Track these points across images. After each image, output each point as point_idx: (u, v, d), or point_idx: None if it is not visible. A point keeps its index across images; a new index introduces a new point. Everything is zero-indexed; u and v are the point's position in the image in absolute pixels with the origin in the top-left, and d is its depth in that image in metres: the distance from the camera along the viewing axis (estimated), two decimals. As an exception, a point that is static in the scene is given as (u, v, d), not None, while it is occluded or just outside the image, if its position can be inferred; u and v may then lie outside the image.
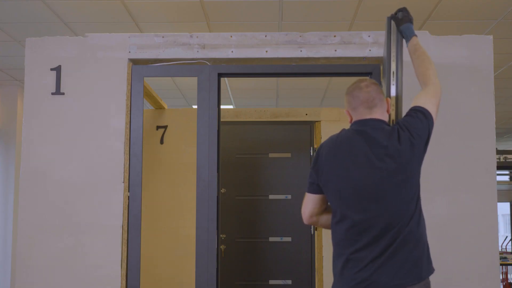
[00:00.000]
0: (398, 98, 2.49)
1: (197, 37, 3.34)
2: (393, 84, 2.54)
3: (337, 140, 2.30)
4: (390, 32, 2.63)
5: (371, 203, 2.20)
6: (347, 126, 2.38)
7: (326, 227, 2.40)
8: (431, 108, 2.32)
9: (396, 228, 2.18)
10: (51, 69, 3.31)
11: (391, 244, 2.16)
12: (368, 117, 2.29)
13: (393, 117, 2.37)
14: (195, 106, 7.09)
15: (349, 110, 2.35)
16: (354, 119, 2.33)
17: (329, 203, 2.35)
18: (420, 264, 2.19)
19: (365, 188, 2.20)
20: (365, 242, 2.18)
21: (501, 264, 8.16)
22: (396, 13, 2.63)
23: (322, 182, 2.29)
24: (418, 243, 2.20)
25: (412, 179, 2.24)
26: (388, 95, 2.57)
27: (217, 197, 3.24)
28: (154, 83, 6.44)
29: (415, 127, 2.25)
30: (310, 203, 2.38)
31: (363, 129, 2.27)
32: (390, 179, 2.20)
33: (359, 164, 2.21)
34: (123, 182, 3.21)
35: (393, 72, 2.55)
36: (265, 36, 3.32)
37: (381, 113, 2.31)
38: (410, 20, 2.61)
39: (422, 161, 2.26)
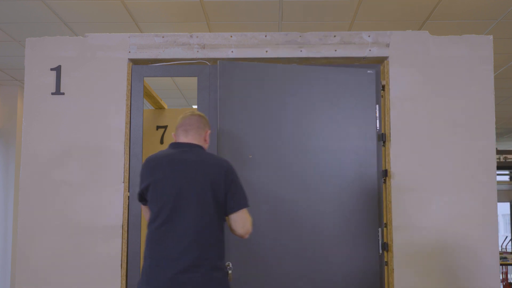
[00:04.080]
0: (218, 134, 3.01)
1: (197, 37, 3.34)
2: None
3: (158, 156, 2.63)
4: (217, 79, 3.14)
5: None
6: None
7: None
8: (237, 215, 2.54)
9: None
10: (51, 69, 3.31)
11: None
12: (184, 140, 2.65)
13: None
14: (195, 106, 7.09)
15: (174, 133, 2.71)
16: (175, 140, 2.69)
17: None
18: None
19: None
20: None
21: (501, 264, 8.16)
22: None
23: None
24: None
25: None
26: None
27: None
28: (154, 83, 6.44)
29: (229, 186, 2.52)
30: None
31: (179, 149, 2.62)
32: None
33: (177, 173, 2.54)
34: (123, 182, 3.21)
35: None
36: (265, 36, 3.32)
37: (196, 139, 2.65)
38: None
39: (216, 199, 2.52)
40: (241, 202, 2.52)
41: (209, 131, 2.72)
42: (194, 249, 2.43)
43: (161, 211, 2.50)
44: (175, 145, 2.65)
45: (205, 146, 2.68)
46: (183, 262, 2.41)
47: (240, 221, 2.51)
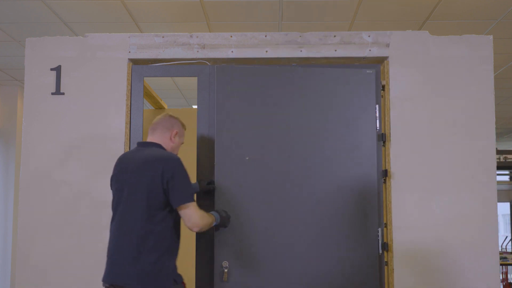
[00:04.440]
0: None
1: (197, 37, 3.34)
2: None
3: (122, 154, 2.83)
4: (215, 83, 3.20)
5: None
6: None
7: None
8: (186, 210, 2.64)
9: None
10: (51, 69, 3.31)
11: None
12: (149, 140, 2.81)
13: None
14: (195, 106, 7.09)
15: None
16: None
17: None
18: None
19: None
20: None
21: (501, 264, 8.16)
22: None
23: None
24: None
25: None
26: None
27: (217, 197, 3.25)
28: (154, 83, 6.44)
29: (169, 181, 2.60)
30: None
31: (138, 148, 2.80)
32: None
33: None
34: (123, 182, 3.21)
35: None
36: (265, 36, 3.32)
37: (159, 138, 2.80)
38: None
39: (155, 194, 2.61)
40: (180, 199, 2.60)
41: (175, 131, 2.83)
42: (125, 244, 2.58)
43: (112, 208, 2.72)
44: (138, 144, 2.85)
45: (170, 145, 2.81)
46: (116, 257, 2.60)
47: (184, 216, 2.63)
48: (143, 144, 2.81)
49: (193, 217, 2.62)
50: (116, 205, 2.69)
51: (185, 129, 2.94)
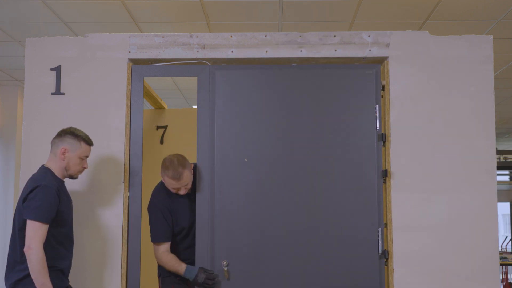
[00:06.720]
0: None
1: (197, 37, 3.34)
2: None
3: None
4: (215, 83, 3.23)
5: None
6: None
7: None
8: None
9: None
10: (51, 69, 3.31)
11: None
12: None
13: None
14: (195, 106, 7.09)
15: None
16: None
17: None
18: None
19: None
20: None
21: (501, 264, 8.16)
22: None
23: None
24: None
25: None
26: None
27: (217, 197, 3.25)
28: (154, 83, 6.44)
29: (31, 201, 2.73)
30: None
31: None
32: None
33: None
34: (123, 182, 3.21)
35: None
36: (265, 36, 3.32)
37: (49, 159, 2.91)
38: None
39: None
40: (26, 213, 2.74)
41: (63, 148, 2.87)
42: (9, 256, 2.83)
43: None
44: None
45: (62, 163, 2.88)
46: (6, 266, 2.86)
47: (26, 232, 2.73)
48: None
49: (29, 235, 2.70)
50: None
51: (80, 136, 2.92)
